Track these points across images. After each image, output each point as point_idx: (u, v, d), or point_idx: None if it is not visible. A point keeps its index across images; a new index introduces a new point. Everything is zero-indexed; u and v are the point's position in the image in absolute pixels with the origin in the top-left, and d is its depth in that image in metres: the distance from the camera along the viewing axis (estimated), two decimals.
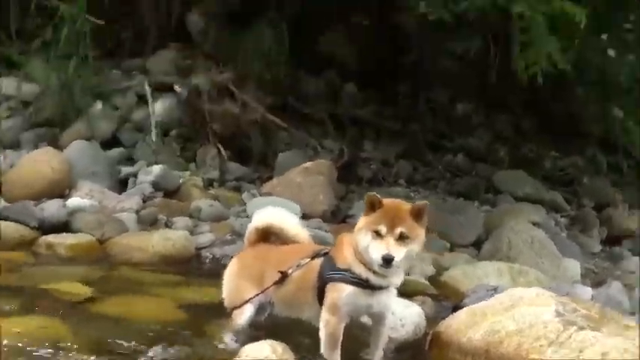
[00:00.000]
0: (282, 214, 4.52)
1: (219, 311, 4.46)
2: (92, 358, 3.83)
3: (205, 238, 7.42)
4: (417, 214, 3.76)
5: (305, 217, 8.76)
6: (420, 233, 3.77)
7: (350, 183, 10.77)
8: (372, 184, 11.07)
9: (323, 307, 3.90)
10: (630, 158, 14.69)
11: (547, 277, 7.36)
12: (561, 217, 12.16)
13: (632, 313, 6.70)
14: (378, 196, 3.78)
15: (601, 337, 4.00)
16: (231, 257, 4.77)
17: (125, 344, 4.08)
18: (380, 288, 3.82)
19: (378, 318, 3.97)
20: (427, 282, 6.97)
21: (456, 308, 5.87)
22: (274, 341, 3.38)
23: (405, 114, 13.16)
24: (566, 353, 3.94)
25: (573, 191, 13.56)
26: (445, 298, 6.50)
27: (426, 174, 12.23)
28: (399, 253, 3.66)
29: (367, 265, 3.75)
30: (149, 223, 7.66)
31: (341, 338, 3.87)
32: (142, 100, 10.90)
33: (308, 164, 9.54)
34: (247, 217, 8.43)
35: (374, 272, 3.76)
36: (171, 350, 3.96)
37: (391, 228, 3.67)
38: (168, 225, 7.70)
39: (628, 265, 10.64)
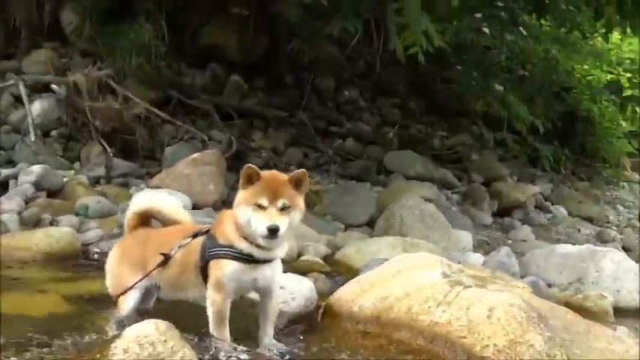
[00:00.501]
0: (159, 197, 4.39)
1: (108, 301, 4.29)
2: None
3: (92, 234, 7.17)
4: (296, 183, 3.70)
5: (196, 207, 8.64)
6: (301, 202, 3.71)
7: (240, 172, 10.65)
8: None
9: (208, 285, 3.80)
10: (515, 133, 15.20)
11: (439, 249, 7.47)
12: (452, 193, 12.48)
13: (522, 276, 6.91)
14: (256, 168, 3.70)
15: (487, 294, 4.06)
16: None
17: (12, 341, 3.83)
18: (264, 262, 3.74)
19: (265, 292, 3.88)
20: (321, 261, 6.96)
21: None
22: (158, 320, 3.24)
23: (291, 102, 13.17)
24: (454, 312, 3.98)
25: (463, 168, 13.93)
26: (339, 275, 6.49)
27: (317, 160, 12.30)
28: (282, 223, 3.59)
29: (249, 239, 3.67)
30: (32, 224, 7.35)
31: (228, 315, 3.78)
32: (18, 101, 10.50)
33: (196, 155, 9.40)
34: None
35: (257, 246, 3.67)
36: (59, 342, 3.75)
37: (273, 199, 3.60)
38: (53, 224, 7.40)
39: (518, 234, 11.04)
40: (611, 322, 6.06)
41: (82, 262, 6.37)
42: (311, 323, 4.44)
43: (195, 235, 3.91)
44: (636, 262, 7.33)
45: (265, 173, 3.72)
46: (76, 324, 4.12)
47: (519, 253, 8.92)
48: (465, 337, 3.82)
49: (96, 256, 6.61)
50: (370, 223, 9.65)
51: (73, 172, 9.37)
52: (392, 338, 4.08)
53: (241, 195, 3.68)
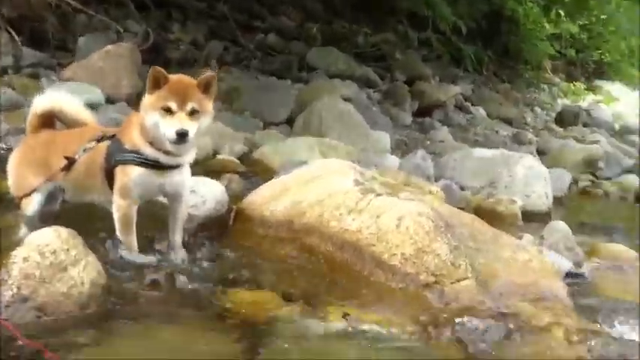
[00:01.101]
0: (61, 97, 4.17)
1: (11, 203, 4.11)
2: None
3: None
4: (205, 87, 3.56)
5: (109, 101, 8.38)
6: (210, 106, 3.58)
7: (157, 65, 10.34)
8: (182, 66, 10.69)
9: (114, 190, 3.68)
10: (439, 33, 15.15)
11: (357, 150, 7.48)
12: (374, 92, 12.49)
13: (437, 179, 7.01)
14: (163, 71, 3.54)
15: (397, 202, 4.06)
16: None
17: None
18: (171, 167, 3.65)
19: (174, 197, 3.79)
20: (237, 160, 6.88)
21: None
22: (59, 227, 3.13)
23: None
24: (365, 220, 3.97)
25: (386, 67, 13.90)
26: (255, 175, 6.44)
27: (237, 54, 12.04)
28: (192, 127, 3.47)
29: (156, 144, 3.55)
30: None
31: (134, 220, 3.69)
32: None
33: (109, 47, 9.03)
34: None
35: (164, 152, 3.56)
36: None
37: (182, 103, 3.46)
38: None
39: (437, 135, 11.17)
40: (520, 226, 6.27)
41: None
42: (222, 228, 4.39)
43: (100, 139, 3.76)
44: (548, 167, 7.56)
45: (173, 77, 3.56)
46: None
47: (437, 155, 9.09)
48: (373, 245, 3.84)
49: (1, 152, 6.36)
50: (289, 121, 9.60)
51: None
52: (303, 244, 4.07)
53: (148, 99, 3.54)
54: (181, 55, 10.84)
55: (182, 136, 3.43)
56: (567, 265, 4.46)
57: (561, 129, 14.41)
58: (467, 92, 14.12)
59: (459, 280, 3.64)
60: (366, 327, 3.15)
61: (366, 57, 13.83)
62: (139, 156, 3.58)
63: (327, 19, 14.32)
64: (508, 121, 13.53)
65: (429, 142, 10.59)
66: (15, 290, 2.83)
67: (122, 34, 10.42)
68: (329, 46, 13.01)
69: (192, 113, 3.49)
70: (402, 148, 9.67)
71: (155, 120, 3.48)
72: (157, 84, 3.52)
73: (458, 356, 3.08)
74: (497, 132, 12.58)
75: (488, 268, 3.93)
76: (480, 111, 13.57)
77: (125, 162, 3.62)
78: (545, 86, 17.60)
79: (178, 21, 12.04)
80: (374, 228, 3.91)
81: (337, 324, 3.17)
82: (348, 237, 3.95)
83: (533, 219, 6.55)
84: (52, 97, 4.16)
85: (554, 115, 15.38)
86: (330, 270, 3.86)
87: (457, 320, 3.30)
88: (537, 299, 3.76)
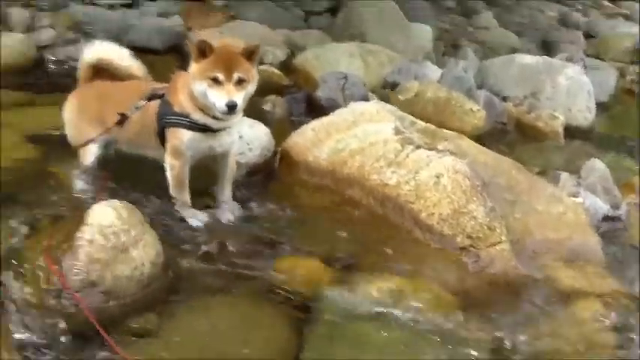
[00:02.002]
0: (111, 48, 4.28)
1: (66, 143, 4.29)
2: None
3: (46, 34, 7.01)
4: (249, 55, 3.64)
5: None
6: (255, 73, 3.68)
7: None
8: None
9: (166, 150, 3.86)
10: None
11: (397, 54, 7.46)
12: None
13: (479, 87, 7.00)
14: (208, 41, 3.61)
15: (435, 157, 4.16)
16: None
17: None
18: (220, 130, 3.79)
19: (223, 156, 3.97)
20: (279, 71, 6.94)
21: (310, 105, 5.99)
22: (119, 203, 3.32)
23: None
24: (404, 174, 4.11)
25: None
26: (297, 90, 6.52)
27: None
28: (239, 98, 3.59)
29: (205, 110, 3.68)
30: None
31: (187, 178, 3.89)
32: None
33: None
34: (92, 3, 7.96)
35: (212, 117, 3.70)
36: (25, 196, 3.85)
37: (228, 74, 3.56)
38: (2, 21, 7.14)
39: (480, 20, 10.92)
40: (560, 145, 6.34)
41: (39, 75, 6.26)
42: (269, 173, 4.57)
43: (150, 98, 3.89)
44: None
45: (218, 46, 3.63)
46: (40, 177, 4.17)
47: (480, 46, 9.00)
48: (412, 203, 4.00)
49: (51, 65, 6.52)
50: (331, 10, 9.48)
51: None
52: (345, 195, 4.25)
53: (195, 68, 3.63)
54: None
55: (232, 108, 3.56)
56: (604, 208, 4.56)
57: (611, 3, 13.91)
58: None
59: (494, 244, 3.82)
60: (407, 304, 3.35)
61: None
62: (188, 120, 3.73)
63: None
64: None
65: (472, 29, 10.40)
66: (84, 275, 3.02)
67: None
68: None
69: (239, 82, 3.59)
70: (444, 39, 9.56)
71: (203, 89, 3.60)
72: (203, 53, 3.60)
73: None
74: (542, 12, 12.21)
75: (522, 224, 4.10)
76: None
77: (175, 125, 3.77)
78: None
79: None
80: (412, 184, 4.06)
81: (380, 298, 3.37)
82: (388, 192, 4.11)
83: (575, 134, 6.61)
84: (102, 49, 4.28)
85: None
86: (372, 226, 4.04)
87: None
88: (570, 259, 3.95)
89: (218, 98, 3.56)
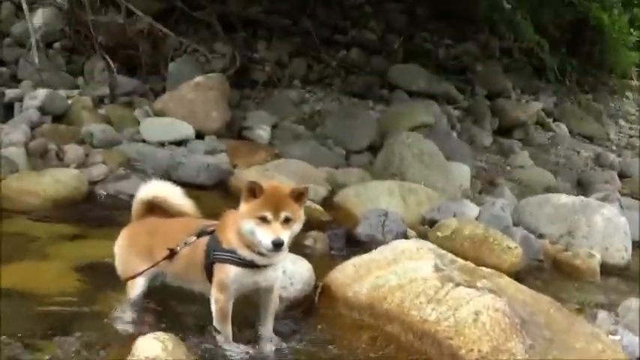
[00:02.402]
0: (165, 187, 4.55)
1: (114, 274, 4.48)
2: None
3: (99, 170, 7.35)
4: (297, 197, 3.85)
5: (199, 136, 8.78)
6: (301, 214, 3.86)
7: (244, 88, 10.75)
8: (267, 87, 11.08)
9: (212, 284, 4.02)
10: (520, 41, 15.04)
11: (436, 193, 7.67)
12: (454, 108, 12.54)
13: (515, 224, 7.14)
14: (259, 182, 3.83)
15: (475, 295, 4.26)
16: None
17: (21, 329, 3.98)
18: (265, 266, 3.95)
19: (266, 290, 4.12)
20: (321, 207, 7.16)
21: (350, 240, 6.16)
22: (165, 335, 3.45)
23: (295, 9, 12.96)
24: (444, 311, 4.20)
25: (466, 79, 13.89)
26: (338, 226, 6.71)
27: (320, 72, 12.26)
28: (286, 236, 3.77)
29: (251, 247, 3.86)
30: (39, 155, 7.51)
31: (231, 312, 4.02)
32: (20, 9, 10.38)
33: (199, 79, 9.46)
34: (142, 141, 8.38)
35: (258, 253, 3.87)
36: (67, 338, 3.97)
37: (276, 213, 3.75)
38: (59, 157, 7.56)
39: (517, 160, 11.20)
40: (597, 283, 6.37)
41: (89, 208, 6.54)
42: (309, 307, 4.67)
43: (199, 235, 4.09)
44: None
45: (268, 187, 3.85)
46: (86, 308, 4.33)
47: (516, 183, 9.17)
48: (451, 339, 4.05)
49: (102, 198, 6.81)
50: (371, 148, 9.82)
51: (77, 91, 9.43)
52: (384, 331, 4.33)
53: (245, 207, 3.82)
54: (267, 76, 11.16)
55: (278, 245, 3.73)
56: None
57: None
58: (548, 106, 13.98)
59: None
60: None
61: (447, 69, 13.87)
62: (236, 256, 3.90)
63: (408, 31, 14.37)
64: (590, 138, 13.39)
65: (509, 168, 10.65)
66: None
67: (210, 58, 10.81)
68: (410, 59, 13.14)
69: (286, 221, 3.78)
70: (481, 177, 9.77)
71: (251, 228, 3.78)
72: (253, 194, 3.81)
73: None
74: (578, 153, 12.50)
75: None
76: (562, 127, 13.46)
77: (223, 261, 3.95)
78: (630, 94, 17.22)
79: (264, 39, 12.33)
80: (452, 321, 4.12)
81: None
82: (427, 328, 4.17)
83: (612, 272, 6.65)
84: (157, 187, 4.54)
85: (638, 127, 15.10)
86: None
87: None
88: None
89: (265, 236, 3.74)
